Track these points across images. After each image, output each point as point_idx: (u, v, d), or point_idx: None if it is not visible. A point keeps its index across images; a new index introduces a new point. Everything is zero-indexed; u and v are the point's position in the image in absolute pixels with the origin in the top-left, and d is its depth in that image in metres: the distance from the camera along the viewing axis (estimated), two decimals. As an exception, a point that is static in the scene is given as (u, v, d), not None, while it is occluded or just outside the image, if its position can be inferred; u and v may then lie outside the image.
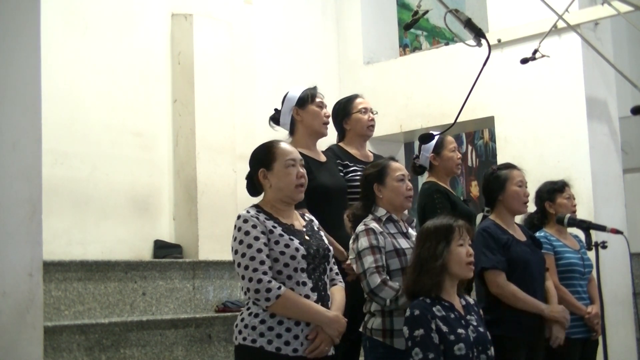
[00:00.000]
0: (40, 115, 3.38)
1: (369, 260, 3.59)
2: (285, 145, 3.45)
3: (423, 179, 4.85)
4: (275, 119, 4.19)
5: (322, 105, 4.17)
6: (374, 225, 3.69)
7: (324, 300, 3.29)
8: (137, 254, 5.66)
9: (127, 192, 5.70)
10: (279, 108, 4.19)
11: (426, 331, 3.27)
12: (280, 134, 4.17)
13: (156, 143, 5.93)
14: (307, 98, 4.13)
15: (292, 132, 4.17)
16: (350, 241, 3.74)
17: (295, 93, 4.16)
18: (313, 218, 3.56)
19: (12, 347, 3.16)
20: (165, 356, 5.05)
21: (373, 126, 4.45)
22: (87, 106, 5.55)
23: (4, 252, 3.18)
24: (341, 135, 4.49)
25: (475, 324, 3.44)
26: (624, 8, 5.09)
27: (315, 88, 4.19)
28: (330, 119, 4.23)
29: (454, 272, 3.43)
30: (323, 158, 4.17)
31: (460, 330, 3.34)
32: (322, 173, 4.03)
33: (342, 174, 4.25)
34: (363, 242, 3.64)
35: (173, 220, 5.95)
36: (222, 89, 6.17)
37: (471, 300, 3.58)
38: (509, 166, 4.42)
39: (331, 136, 4.69)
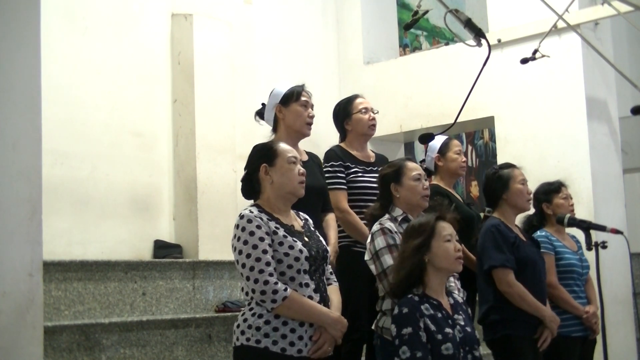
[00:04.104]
0: (40, 115, 3.37)
1: (388, 260, 3.58)
2: (285, 145, 3.44)
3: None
4: (261, 113, 4.13)
5: (306, 105, 4.07)
6: (389, 224, 3.69)
7: (325, 301, 3.30)
8: (137, 254, 5.65)
9: (127, 192, 5.69)
10: (266, 102, 4.12)
11: (414, 330, 3.25)
12: (265, 128, 4.14)
13: (156, 143, 5.93)
14: (292, 96, 4.04)
15: (274, 129, 4.10)
16: (368, 241, 3.74)
17: (281, 89, 4.08)
18: (307, 217, 3.53)
19: (12, 347, 3.16)
20: (165, 356, 5.04)
21: (374, 125, 4.43)
22: (87, 106, 5.54)
23: (4, 252, 3.17)
24: (342, 136, 4.47)
25: (462, 323, 3.42)
26: (624, 8, 5.09)
27: (302, 86, 4.11)
28: (313, 120, 4.12)
29: (442, 267, 3.40)
30: (305, 157, 4.08)
31: (447, 330, 3.32)
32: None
33: (343, 175, 4.24)
34: (380, 241, 3.63)
35: (173, 220, 5.95)
36: (222, 89, 6.16)
37: (460, 299, 3.56)
38: (509, 165, 4.43)
39: (328, 136, 4.68)
